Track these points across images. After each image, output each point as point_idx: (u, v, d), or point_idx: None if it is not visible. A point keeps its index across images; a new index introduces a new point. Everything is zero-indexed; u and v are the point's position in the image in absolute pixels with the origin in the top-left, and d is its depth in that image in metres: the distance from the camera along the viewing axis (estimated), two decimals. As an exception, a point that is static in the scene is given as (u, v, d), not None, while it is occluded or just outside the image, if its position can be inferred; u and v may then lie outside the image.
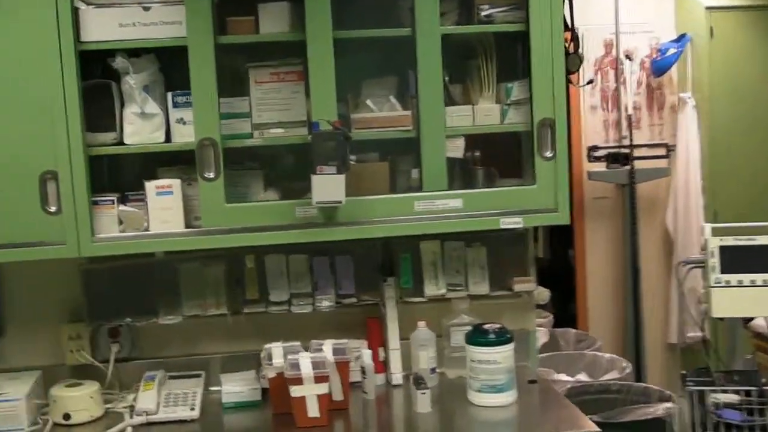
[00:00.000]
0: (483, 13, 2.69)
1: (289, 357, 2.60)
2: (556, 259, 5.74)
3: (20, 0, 2.43)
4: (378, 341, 2.90)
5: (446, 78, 2.70)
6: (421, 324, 2.87)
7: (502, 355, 2.63)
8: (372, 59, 2.83)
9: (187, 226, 2.62)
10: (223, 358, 2.95)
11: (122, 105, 2.61)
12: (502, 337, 2.66)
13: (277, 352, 2.66)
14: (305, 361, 2.57)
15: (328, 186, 2.47)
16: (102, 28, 2.50)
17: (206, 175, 2.55)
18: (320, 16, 2.52)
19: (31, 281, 2.90)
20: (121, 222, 2.61)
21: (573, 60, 2.76)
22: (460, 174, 2.80)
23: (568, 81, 2.72)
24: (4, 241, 2.52)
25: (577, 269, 5.47)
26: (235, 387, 2.79)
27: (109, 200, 2.60)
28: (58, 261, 2.60)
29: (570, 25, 2.80)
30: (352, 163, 2.65)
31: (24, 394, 2.67)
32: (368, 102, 2.73)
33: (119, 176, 2.78)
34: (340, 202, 2.49)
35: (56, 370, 2.90)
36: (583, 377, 4.23)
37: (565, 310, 5.48)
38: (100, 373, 2.87)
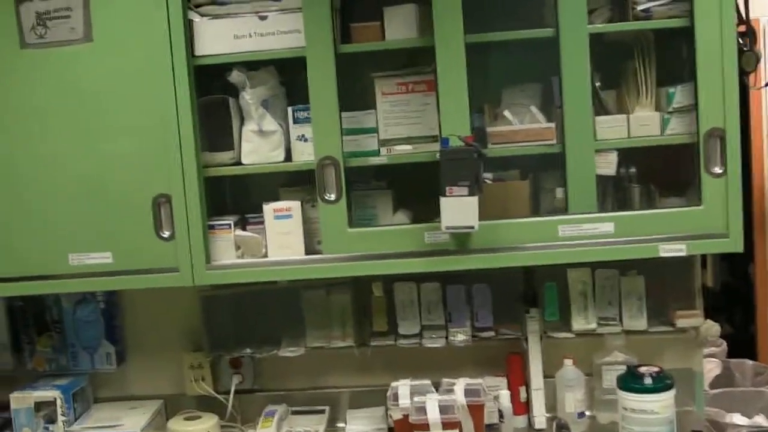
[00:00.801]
0: (639, 8, 2.39)
1: (416, 398, 2.42)
2: (734, 275, 5.27)
3: (130, 16, 2.37)
4: (519, 380, 2.67)
5: (596, 84, 2.43)
6: (568, 362, 2.62)
7: (661, 404, 2.34)
8: (510, 65, 2.59)
9: (309, 251, 2.48)
10: (350, 393, 2.81)
11: (240, 122, 2.50)
12: (661, 384, 2.36)
13: (403, 391, 2.48)
14: (433, 404, 2.37)
15: (459, 209, 2.26)
16: (217, 40, 2.39)
17: (327, 197, 2.39)
18: (451, 18, 2.30)
19: (152, 307, 2.85)
20: (238, 247, 2.50)
21: (748, 58, 2.41)
22: (612, 194, 2.51)
23: (743, 83, 2.38)
24: (119, 268, 2.46)
25: (757, 289, 4.99)
26: (361, 425, 2.65)
27: (226, 224, 2.49)
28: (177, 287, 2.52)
29: (744, 17, 2.45)
30: (487, 182, 2.42)
31: (140, 428, 2.62)
32: (506, 113, 2.50)
33: (237, 198, 2.68)
34: (472, 228, 2.27)
35: (177, 399, 2.84)
36: (761, 420, 3.81)
37: (741, 336, 5.02)
38: (221, 404, 2.78)
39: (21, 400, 2.69)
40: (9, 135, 2.45)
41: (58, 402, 2.67)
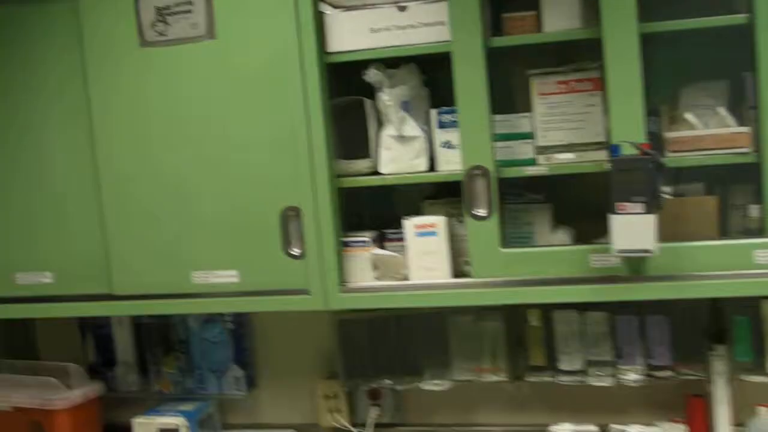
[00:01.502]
0: None
1: (579, 448, 2.12)
2: None
3: (255, 9, 2.17)
4: (702, 427, 2.31)
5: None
6: (764, 410, 2.24)
7: None
8: (692, 59, 2.23)
9: (456, 273, 2.21)
10: (502, 432, 2.54)
11: (378, 126, 2.27)
12: None
13: (564, 437, 2.19)
14: (599, 457, 2.07)
15: (633, 229, 1.94)
16: (351, 35, 2.16)
17: (477, 213, 2.12)
18: (622, 4, 1.98)
19: (284, 329, 2.67)
20: (375, 267, 2.26)
21: None
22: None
23: None
24: (245, 288, 2.27)
25: None
26: (513, 472, 2.36)
27: (362, 241, 2.26)
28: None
29: None
30: (666, 197, 2.09)
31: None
32: (688, 116, 2.15)
33: (374, 212, 2.44)
34: (649, 252, 1.94)
35: (309, 430, 2.64)
36: None
37: None
38: (357, 439, 2.57)
39: (145, 427, 2.56)
40: (133, 144, 2.32)
41: (182, 431, 2.53)
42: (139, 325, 2.74)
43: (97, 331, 2.81)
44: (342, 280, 2.23)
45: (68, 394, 2.60)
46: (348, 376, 2.55)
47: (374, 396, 2.59)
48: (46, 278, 2.47)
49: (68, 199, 2.40)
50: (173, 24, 2.22)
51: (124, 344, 2.78)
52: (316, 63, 2.15)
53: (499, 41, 2.11)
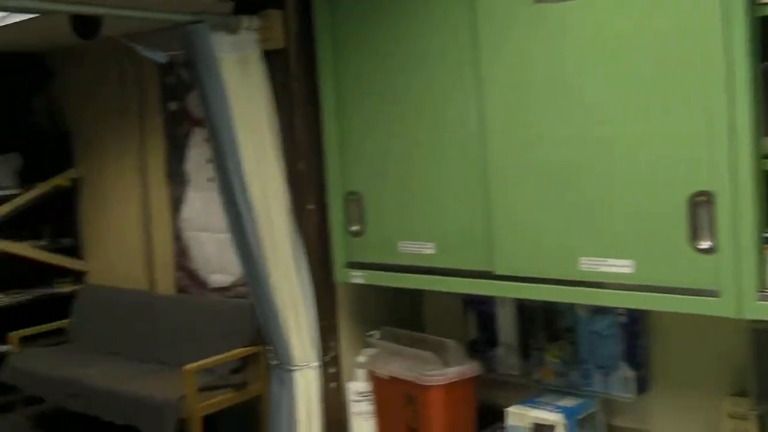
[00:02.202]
0: None
1: None
2: None
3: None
4: None
5: None
6: None
7: None
8: None
9: None
10: None
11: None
12: None
13: None
14: None
15: None
16: (796, -21, 1.74)
17: None
18: None
19: (684, 331, 2.30)
20: (807, 272, 1.83)
21: None
22: None
23: None
24: (639, 281, 1.97)
25: None
26: None
27: (792, 239, 1.84)
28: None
29: None
30: None
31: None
32: None
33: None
34: None
35: (709, 450, 2.27)
36: None
37: None
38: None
39: (518, 417, 2.36)
40: (518, 118, 2.11)
41: (560, 430, 2.29)
42: (523, 306, 2.54)
43: (480, 308, 2.66)
44: (762, 285, 1.83)
45: (444, 371, 2.49)
46: (762, 397, 2.14)
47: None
48: (428, 249, 2.37)
49: (454, 172, 2.27)
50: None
51: (506, 325, 2.60)
52: (743, 16, 1.75)
53: None
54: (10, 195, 5.11)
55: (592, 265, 2.04)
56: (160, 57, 2.47)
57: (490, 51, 2.16)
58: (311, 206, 2.59)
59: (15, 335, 4.80)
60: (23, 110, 5.28)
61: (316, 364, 2.62)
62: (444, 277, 2.35)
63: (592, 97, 1.99)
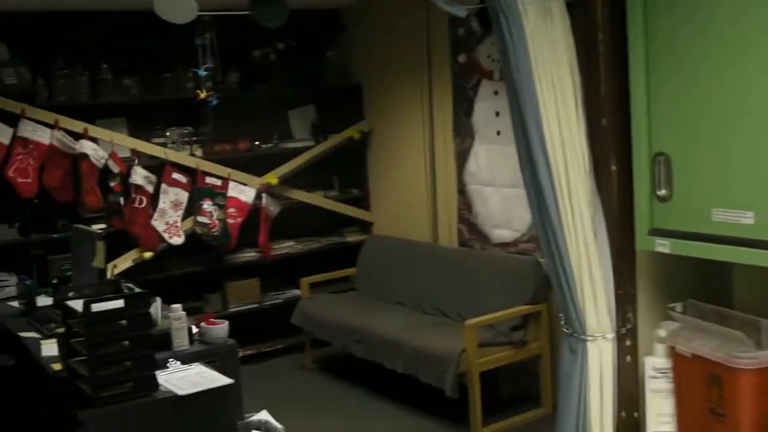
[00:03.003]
0: None
1: None
2: None
3: None
4: None
5: None
6: None
7: None
8: None
9: None
10: None
11: None
12: None
13: None
14: None
15: None
16: None
17: None
18: None
19: None
20: None
21: None
22: None
23: None
24: None
25: None
26: None
27: None
28: None
29: None
30: None
31: None
32: None
33: None
34: None
35: None
36: None
37: None
38: None
39: None
40: None
41: None
42: None
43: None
44: None
45: (757, 354, 2.26)
46: None
47: None
48: (747, 218, 2.14)
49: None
50: None
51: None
52: None
53: None
54: (305, 147, 5.32)
55: None
56: (460, 11, 2.39)
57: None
58: (614, 167, 2.43)
59: (306, 281, 5.02)
60: (318, 64, 5.44)
61: (611, 335, 2.47)
62: (764, 251, 2.12)
63: None
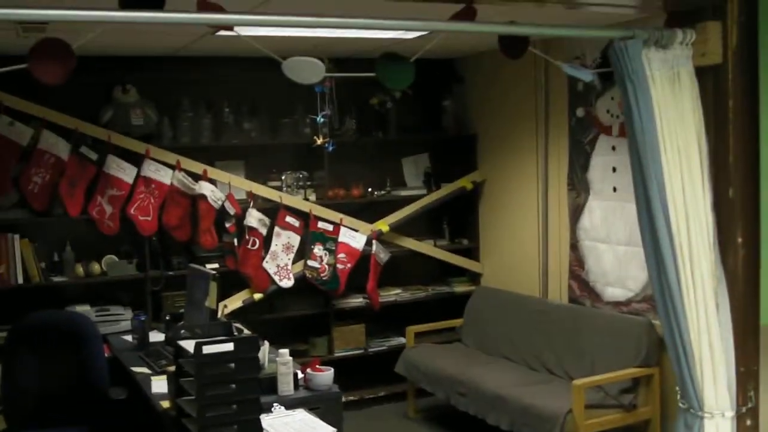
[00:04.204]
0: None
1: None
2: None
3: None
4: None
5: None
6: None
7: None
8: None
9: None
10: None
11: None
12: None
13: None
14: None
15: None
16: None
17: None
18: None
19: None
20: None
21: None
22: None
23: None
24: None
25: None
26: None
27: None
28: None
29: None
30: None
31: None
32: None
33: None
34: None
35: None
36: None
37: None
38: None
39: None
40: None
41: None
42: None
43: None
44: None
45: None
46: None
47: None
48: None
49: None
50: None
51: None
52: None
53: None
54: (417, 195, 5.32)
55: None
56: (586, 76, 2.35)
57: None
58: (740, 239, 2.34)
59: (411, 330, 5.01)
60: (434, 113, 5.46)
61: (730, 413, 2.36)
62: None
63: None
